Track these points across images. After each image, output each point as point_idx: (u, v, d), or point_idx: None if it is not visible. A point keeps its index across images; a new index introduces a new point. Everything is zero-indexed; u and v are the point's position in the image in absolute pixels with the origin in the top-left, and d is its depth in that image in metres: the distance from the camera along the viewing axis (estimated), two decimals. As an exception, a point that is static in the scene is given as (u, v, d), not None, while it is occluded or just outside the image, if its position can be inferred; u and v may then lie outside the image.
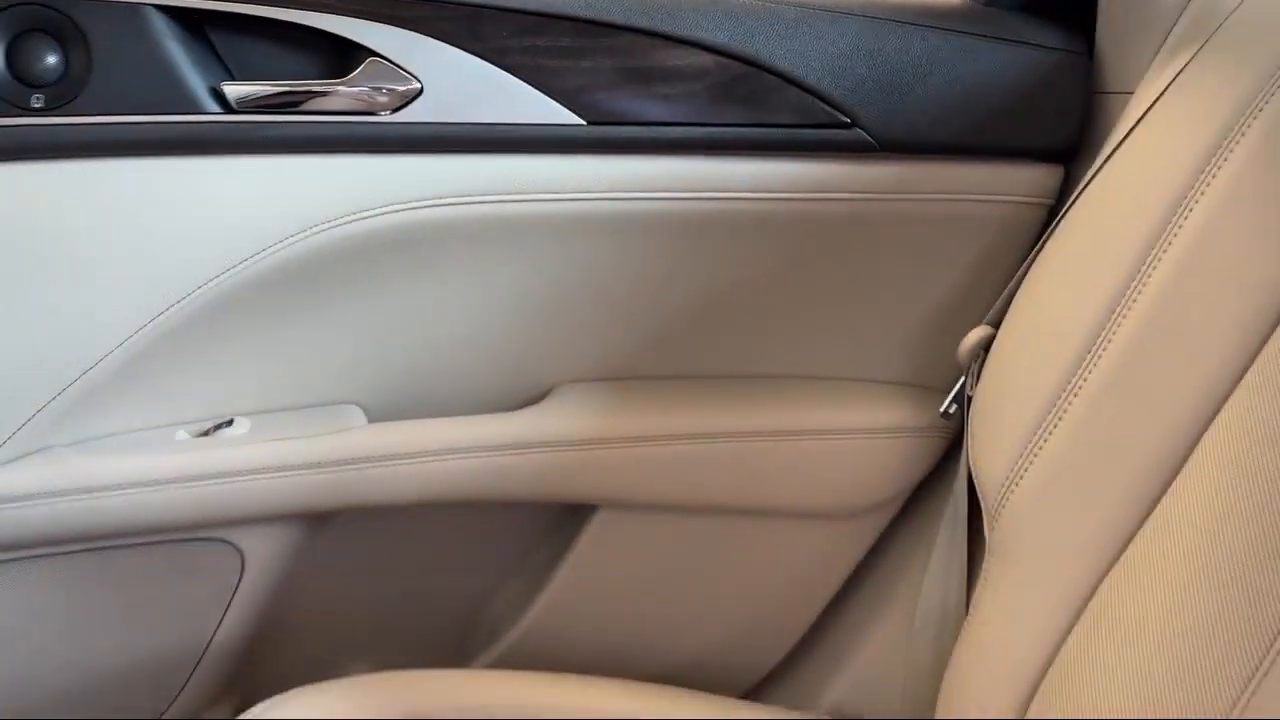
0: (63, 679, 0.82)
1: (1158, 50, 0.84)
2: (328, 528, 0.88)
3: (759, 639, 0.96)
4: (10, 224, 0.74)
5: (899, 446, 0.92)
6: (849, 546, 0.95)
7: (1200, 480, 0.69)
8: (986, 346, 0.85)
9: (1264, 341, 0.69)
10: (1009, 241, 0.89)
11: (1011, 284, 0.84)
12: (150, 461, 0.79)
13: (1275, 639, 0.59)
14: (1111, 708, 0.66)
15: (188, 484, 0.79)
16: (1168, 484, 0.71)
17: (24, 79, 0.73)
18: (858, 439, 0.91)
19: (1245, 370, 0.70)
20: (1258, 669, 0.59)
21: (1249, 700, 0.59)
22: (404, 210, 0.81)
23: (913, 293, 0.92)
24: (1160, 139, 0.78)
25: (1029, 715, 0.72)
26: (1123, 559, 0.71)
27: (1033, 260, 0.83)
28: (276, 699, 0.69)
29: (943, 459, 0.94)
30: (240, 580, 0.84)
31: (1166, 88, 0.80)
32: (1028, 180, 0.89)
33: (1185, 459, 0.70)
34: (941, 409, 0.87)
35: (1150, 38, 0.85)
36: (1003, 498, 0.77)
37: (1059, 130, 0.89)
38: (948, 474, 0.91)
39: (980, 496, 0.81)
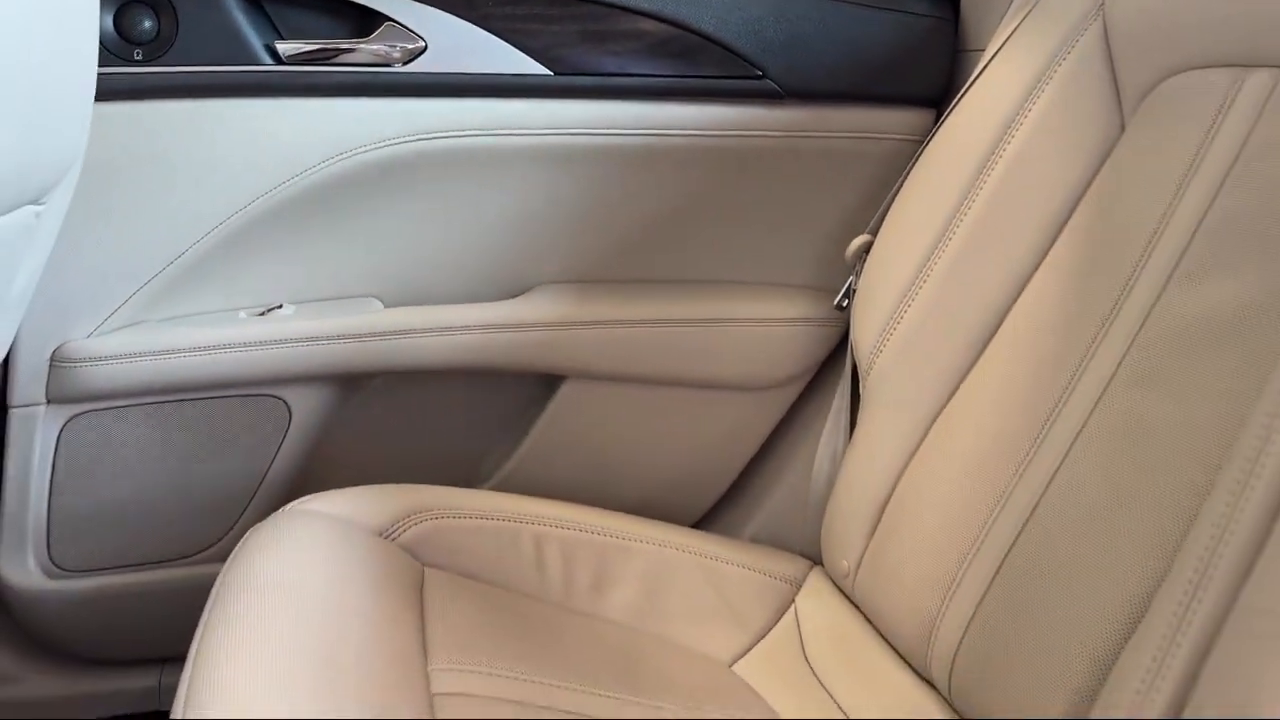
0: (150, 500, 1.04)
1: (1004, 14, 1.05)
2: (357, 392, 1.10)
3: (697, 483, 1.18)
4: (115, 148, 0.95)
5: (804, 333, 1.13)
6: (767, 411, 1.17)
7: (1001, 346, 0.90)
8: (867, 250, 1.06)
9: (1057, 236, 0.90)
10: (889, 170, 1.10)
11: (886, 201, 1.05)
12: (219, 332, 1.01)
13: (1021, 464, 0.80)
14: (922, 522, 0.88)
15: (247, 349, 1.02)
16: (983, 349, 0.92)
17: (128, 38, 0.94)
18: (772, 327, 1.13)
19: (1042, 260, 0.91)
20: (1009, 486, 0.80)
21: (1007, 499, 0.80)
22: (412, 141, 1.02)
23: (814, 212, 1.13)
24: (995, 83, 0.99)
25: (877, 533, 0.93)
26: (947, 408, 0.92)
27: (903, 182, 1.04)
28: (317, 495, 0.90)
29: (839, 345, 1.16)
30: (288, 429, 1.07)
31: (1004, 43, 1.00)
32: (905, 121, 1.10)
33: (996, 330, 0.91)
34: (835, 302, 1.09)
35: (999, 5, 1.06)
36: (871, 362, 0.99)
37: (930, 80, 1.10)
38: (843, 356, 1.12)
39: (856, 364, 1.02)
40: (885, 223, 1.04)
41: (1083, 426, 0.77)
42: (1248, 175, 0.74)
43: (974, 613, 0.78)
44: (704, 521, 1.20)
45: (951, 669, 0.79)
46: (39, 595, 1.02)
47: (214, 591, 0.73)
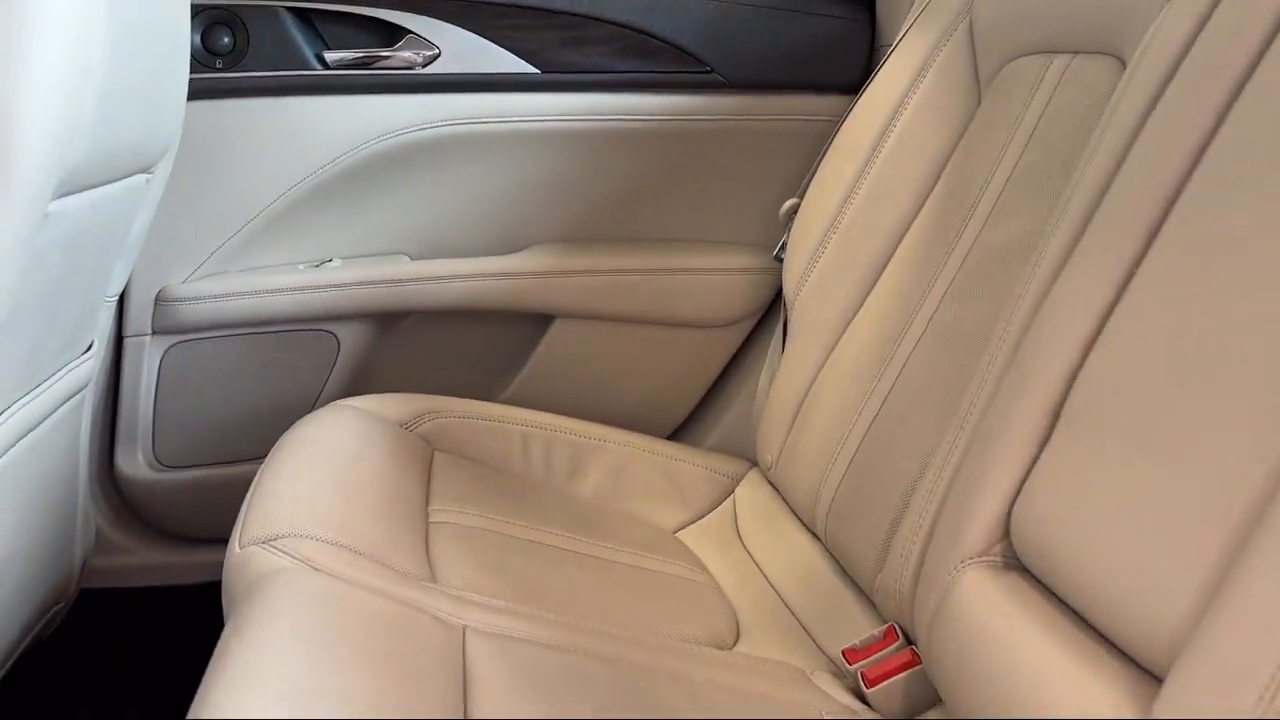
0: (231, 410, 1.30)
1: (907, 14, 1.25)
2: (391, 328, 1.35)
3: (666, 403, 1.40)
4: (203, 135, 1.21)
5: (750, 280, 1.36)
6: (722, 345, 1.39)
7: (884, 281, 1.11)
8: (796, 210, 1.28)
9: (929, 194, 1.11)
10: (817, 145, 1.31)
11: (810, 170, 1.27)
12: (283, 279, 1.27)
13: (883, 366, 1.01)
14: (819, 417, 1.09)
15: (305, 293, 1.27)
16: (873, 285, 1.13)
17: (211, 51, 1.20)
18: (724, 275, 1.36)
19: (918, 213, 1.12)
20: (874, 383, 1.01)
21: (871, 392, 1.01)
22: (431, 129, 1.27)
23: (756, 180, 1.35)
24: (891, 71, 1.20)
25: (792, 430, 1.15)
26: (846, 331, 1.14)
27: (823, 155, 1.25)
28: (354, 397, 1.15)
29: (780, 291, 1.37)
30: (337, 356, 1.32)
31: (900, 39, 1.21)
32: (829, 106, 1.31)
33: (883, 270, 1.13)
34: (774, 254, 1.31)
35: (905, 6, 1.26)
36: (793, 300, 1.21)
37: (849, 71, 1.31)
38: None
39: (785, 300, 1.24)
40: (809, 188, 1.26)
41: (921, 334, 0.98)
42: (1039, 138, 0.95)
43: (842, 476, 1.00)
44: (672, 435, 1.42)
45: (826, 521, 1.01)
46: (146, 484, 1.29)
47: (273, 450, 0.98)
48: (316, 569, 0.74)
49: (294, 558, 0.76)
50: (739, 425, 1.37)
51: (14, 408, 0.83)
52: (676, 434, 1.43)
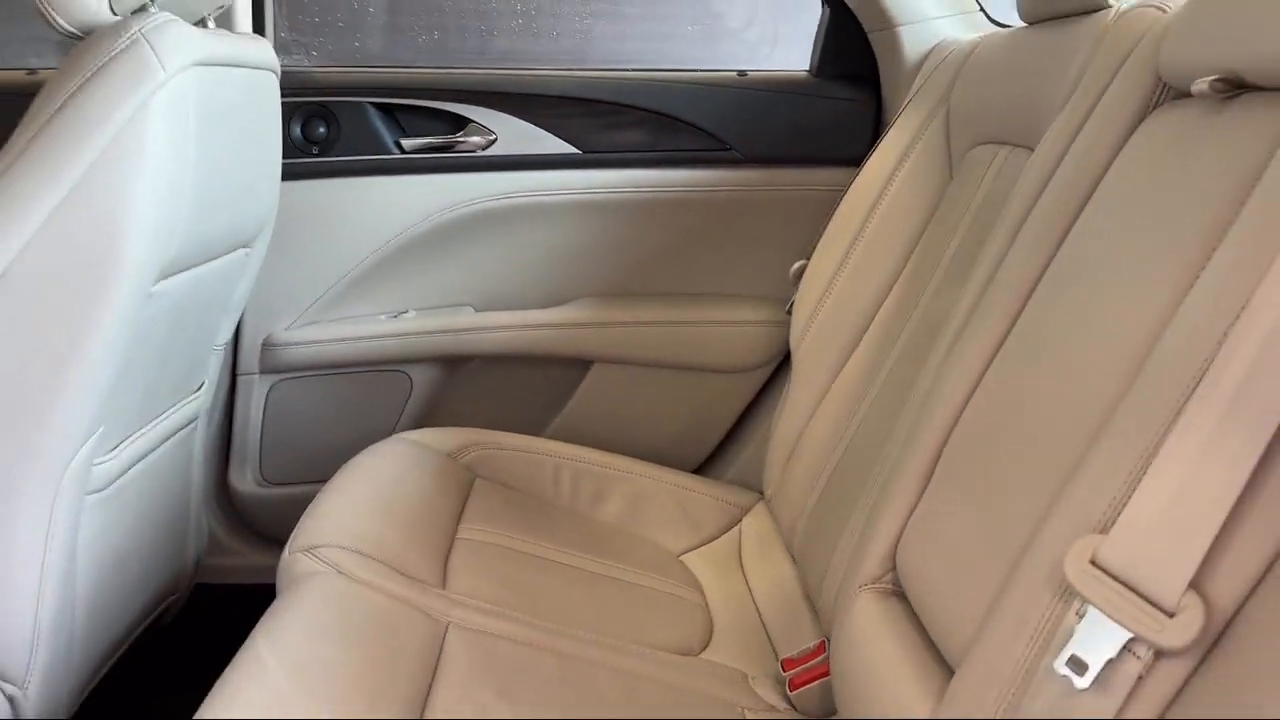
0: (323, 437, 1.52)
1: (905, 99, 1.38)
2: (456, 370, 1.55)
3: (691, 441, 1.55)
4: (302, 209, 1.44)
5: (766, 331, 1.49)
6: (742, 389, 1.53)
7: (865, 341, 1.23)
8: (803, 270, 1.41)
9: (908, 259, 1.23)
10: (824, 212, 1.44)
11: (818, 236, 1.40)
12: (366, 328, 1.48)
13: (855, 410, 1.14)
14: (805, 453, 1.22)
15: (383, 339, 1.48)
16: (860, 338, 1.25)
17: (309, 139, 1.43)
18: (743, 327, 1.50)
19: (898, 276, 1.24)
20: (848, 425, 1.14)
21: (845, 432, 1.14)
22: (490, 201, 1.46)
23: (770, 244, 1.49)
24: (886, 149, 1.32)
25: (787, 465, 1.27)
26: (834, 382, 1.26)
27: (828, 220, 1.38)
28: (409, 431, 1.34)
29: (795, 340, 1.50)
30: (410, 395, 1.53)
31: (895, 120, 1.33)
32: (835, 177, 1.44)
33: (868, 326, 1.25)
34: (786, 309, 1.44)
35: (904, 94, 1.39)
36: (796, 347, 1.34)
37: (855, 146, 1.43)
38: (798, 348, 1.47)
39: (792, 350, 1.37)
40: (815, 252, 1.39)
41: (880, 389, 1.11)
42: (976, 220, 1.06)
43: (813, 507, 1.13)
44: (697, 469, 1.57)
45: (798, 546, 1.14)
46: (253, 498, 1.52)
47: (334, 475, 1.18)
48: (341, 572, 0.93)
49: (326, 563, 0.94)
50: (756, 461, 1.50)
51: (131, 438, 1.06)
52: (700, 468, 1.57)
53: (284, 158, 1.34)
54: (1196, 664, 0.52)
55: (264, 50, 1.16)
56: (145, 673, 1.35)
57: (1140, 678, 0.53)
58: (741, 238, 1.49)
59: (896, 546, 0.85)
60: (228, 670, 0.76)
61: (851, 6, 1.40)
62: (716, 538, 1.36)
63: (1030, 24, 1.10)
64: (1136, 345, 0.64)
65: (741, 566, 1.30)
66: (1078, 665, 0.55)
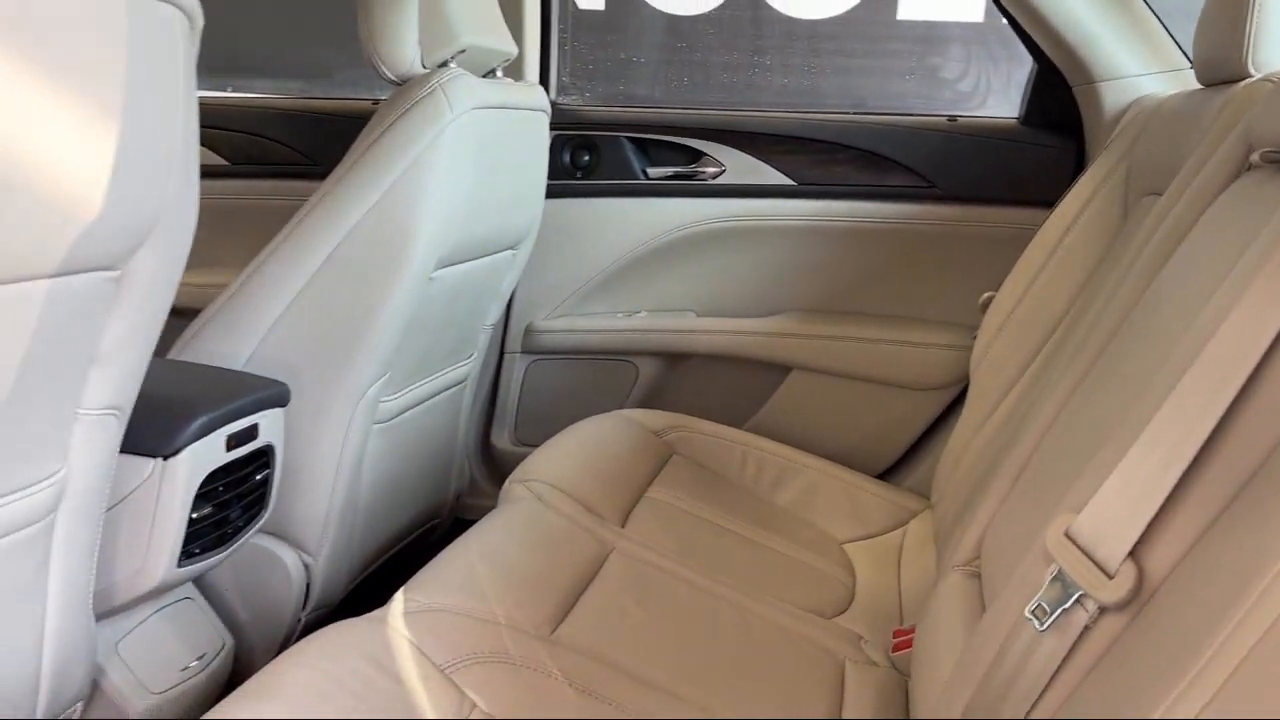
0: (565, 408, 1.78)
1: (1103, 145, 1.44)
2: (676, 366, 1.77)
3: (877, 449, 1.67)
4: (563, 221, 1.72)
5: (954, 355, 1.59)
6: (927, 406, 1.63)
7: (1030, 371, 1.31)
8: (990, 301, 1.50)
9: (1079, 295, 1.30)
10: (1015, 248, 1.51)
11: (1010, 269, 1.48)
12: (604, 322, 1.74)
13: (1021, 424, 1.23)
14: (972, 463, 1.32)
15: (618, 334, 1.73)
16: (1025, 370, 1.34)
17: (574, 165, 1.71)
18: (931, 349, 1.60)
19: (1070, 309, 1.31)
20: (1016, 437, 1.24)
21: (1013, 443, 1.24)
22: (715, 223, 1.67)
23: (962, 274, 1.58)
24: (1076, 192, 1.39)
25: (953, 475, 1.38)
26: (1005, 399, 1.35)
27: (1020, 258, 1.47)
28: (631, 410, 1.57)
29: (982, 365, 1.59)
30: (635, 382, 1.77)
31: (1090, 167, 1.40)
32: (1029, 217, 1.52)
33: (1037, 354, 1.33)
34: (972, 335, 1.53)
35: (1103, 144, 1.44)
36: (974, 371, 1.44)
37: (1051, 189, 1.50)
38: (983, 372, 1.56)
39: (971, 373, 1.47)
40: (1005, 283, 1.48)
41: (1030, 407, 1.20)
42: (1120, 265, 1.13)
43: (959, 509, 1.24)
44: (886, 473, 1.68)
45: (940, 543, 1.25)
46: (508, 453, 1.82)
47: (564, 430, 1.42)
48: (541, 500, 1.17)
49: (533, 492, 1.19)
50: (931, 466, 1.60)
51: (411, 386, 1.37)
52: (879, 477, 1.68)
53: (553, 179, 1.62)
54: (1131, 619, 0.63)
55: (537, 96, 1.44)
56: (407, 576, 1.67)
57: (1087, 627, 0.64)
58: (936, 267, 1.60)
59: (984, 536, 0.96)
60: (441, 552, 1.01)
61: (1057, 63, 1.47)
62: (881, 534, 1.48)
63: (1204, 86, 1.16)
64: (1174, 376, 0.74)
65: (899, 563, 1.41)
66: (1041, 614, 0.67)
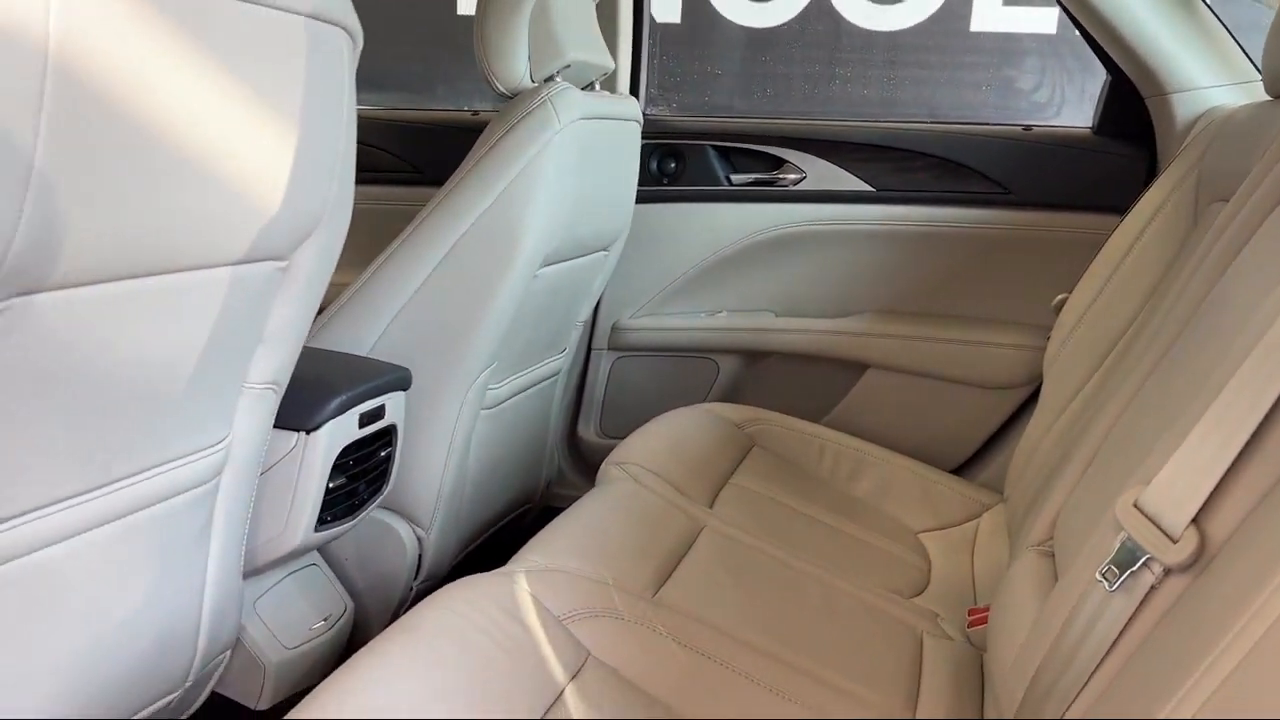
0: (651, 402, 1.87)
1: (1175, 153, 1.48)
2: (755, 363, 1.84)
3: (951, 446, 1.72)
4: (651, 225, 1.80)
5: (1028, 355, 1.64)
6: (1001, 405, 1.68)
7: (1100, 371, 1.36)
8: (1063, 303, 1.55)
9: (1151, 295, 1.35)
10: (1088, 253, 1.56)
11: (1083, 273, 1.53)
12: (687, 321, 1.82)
13: (1090, 417, 1.29)
14: (1040, 458, 1.37)
15: (700, 332, 1.81)
16: (1100, 364, 1.39)
17: (661, 172, 1.80)
18: (1004, 349, 1.65)
19: (1141, 310, 1.36)
20: (1084, 431, 1.30)
21: (1082, 434, 1.29)
22: (795, 227, 1.75)
23: (1035, 277, 1.63)
24: (1148, 199, 1.43)
25: (1025, 469, 1.43)
26: (1070, 404, 1.40)
27: (1092, 263, 1.52)
28: (714, 403, 1.65)
29: (1053, 365, 1.63)
30: (716, 378, 1.85)
31: (1159, 176, 1.45)
32: (1104, 224, 1.56)
33: (1108, 355, 1.38)
34: (1045, 337, 1.58)
35: (1174, 152, 1.49)
36: (1048, 369, 1.49)
37: (1124, 198, 1.55)
38: (1055, 372, 1.60)
39: (1044, 373, 1.52)
40: (1076, 287, 1.53)
41: (1101, 404, 1.25)
42: (1189, 269, 1.18)
43: (1069, 492, 1.29)
44: (958, 469, 1.74)
45: (1013, 532, 1.31)
46: (594, 444, 1.92)
47: (653, 419, 1.51)
48: (636, 480, 1.26)
49: (628, 474, 1.28)
50: (1004, 462, 1.65)
51: (514, 375, 1.47)
52: (955, 471, 1.74)
53: (641, 185, 1.71)
54: (1192, 580, 0.69)
55: (631, 107, 1.54)
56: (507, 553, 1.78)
57: (1153, 588, 0.71)
58: (1010, 270, 1.66)
59: (1057, 517, 1.03)
60: (551, 522, 1.11)
61: (1130, 75, 1.52)
62: (955, 525, 1.54)
63: (1273, 98, 1.20)
64: (1235, 363, 0.80)
65: (972, 551, 1.47)
66: (1111, 575, 0.73)
